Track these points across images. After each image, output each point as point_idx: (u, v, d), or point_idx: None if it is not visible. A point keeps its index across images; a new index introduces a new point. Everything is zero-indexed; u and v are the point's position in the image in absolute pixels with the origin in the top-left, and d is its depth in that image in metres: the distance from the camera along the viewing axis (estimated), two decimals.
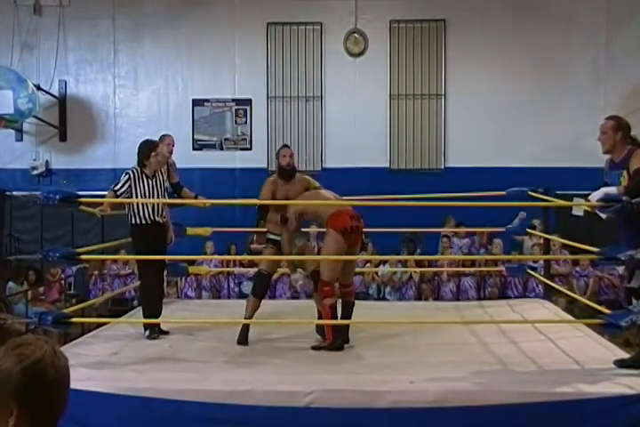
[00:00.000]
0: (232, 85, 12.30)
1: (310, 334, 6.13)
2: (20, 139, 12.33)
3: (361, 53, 12.20)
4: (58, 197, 5.44)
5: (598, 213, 5.25)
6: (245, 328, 6.06)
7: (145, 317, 6.40)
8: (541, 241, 9.09)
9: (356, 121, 12.02)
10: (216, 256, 10.34)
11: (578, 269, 10.13)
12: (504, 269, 8.63)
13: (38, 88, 11.63)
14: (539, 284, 9.42)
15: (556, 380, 4.76)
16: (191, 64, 12.35)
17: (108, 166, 11.74)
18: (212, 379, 4.86)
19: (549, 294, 8.15)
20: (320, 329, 6.10)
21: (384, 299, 10.28)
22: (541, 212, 8.22)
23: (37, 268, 10.29)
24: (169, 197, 6.90)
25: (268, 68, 12.22)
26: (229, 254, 10.38)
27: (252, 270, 10.05)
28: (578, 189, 7.57)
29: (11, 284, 9.71)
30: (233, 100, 12.31)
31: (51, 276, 10.70)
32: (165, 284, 8.56)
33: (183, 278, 10.27)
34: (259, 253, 10.12)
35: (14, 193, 10.86)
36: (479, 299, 9.73)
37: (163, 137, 7.14)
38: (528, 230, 8.73)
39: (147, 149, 6.44)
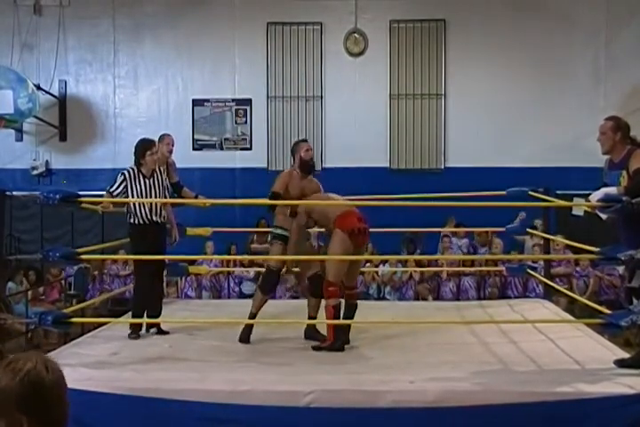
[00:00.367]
0: (232, 85, 12.30)
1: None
2: (20, 139, 12.33)
3: (361, 53, 12.19)
4: (58, 196, 5.43)
5: (598, 213, 5.24)
6: (249, 326, 6.06)
7: (133, 316, 6.42)
8: (542, 241, 9.09)
9: (355, 121, 12.02)
10: (216, 256, 10.33)
11: (578, 269, 10.13)
12: (504, 269, 8.63)
13: (38, 88, 11.63)
14: (539, 284, 9.42)
15: (555, 380, 4.76)
16: (191, 64, 12.34)
17: (107, 166, 11.71)
18: (213, 379, 4.85)
19: (549, 294, 8.15)
20: (310, 333, 6.09)
21: (384, 299, 10.28)
22: (541, 212, 8.23)
23: (37, 268, 10.29)
24: (169, 197, 6.88)
25: (268, 67, 12.22)
26: (229, 254, 10.37)
27: (253, 270, 10.11)
28: (578, 189, 7.58)
29: (11, 284, 9.72)
30: (233, 100, 12.31)
31: (51, 276, 10.70)
32: (165, 284, 8.56)
33: (183, 278, 10.26)
34: (259, 253, 10.17)
35: (14, 193, 10.88)
36: (479, 299, 9.72)
37: (162, 137, 7.10)
38: (528, 230, 8.73)
39: (143, 147, 6.42)
